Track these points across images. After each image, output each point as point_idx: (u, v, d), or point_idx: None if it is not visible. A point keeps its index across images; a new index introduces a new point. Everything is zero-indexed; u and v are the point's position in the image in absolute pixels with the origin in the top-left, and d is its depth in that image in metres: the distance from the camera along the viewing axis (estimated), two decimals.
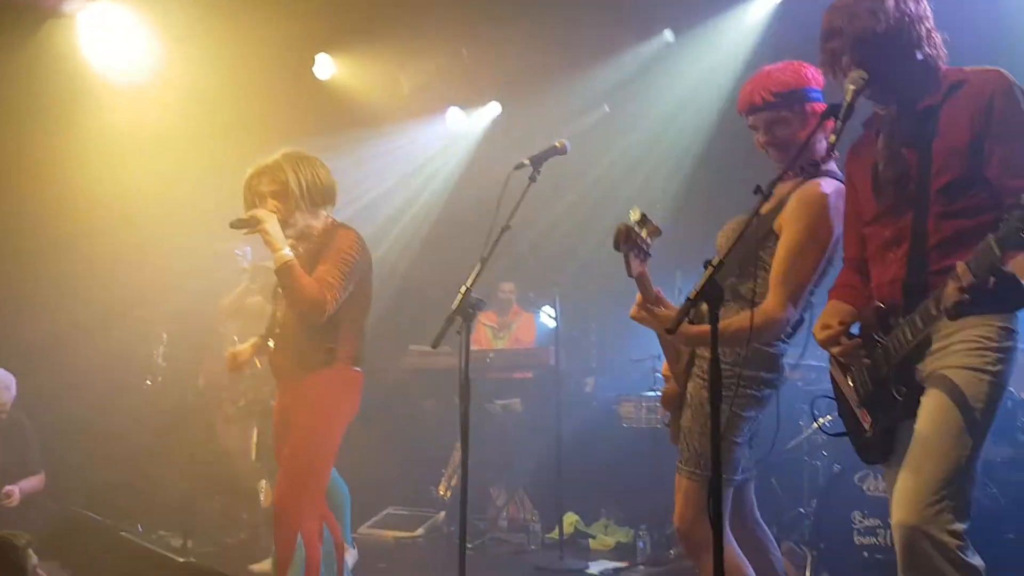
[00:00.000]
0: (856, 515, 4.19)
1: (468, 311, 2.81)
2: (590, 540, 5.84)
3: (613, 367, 6.65)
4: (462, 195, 7.34)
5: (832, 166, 2.70)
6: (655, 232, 2.53)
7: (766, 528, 2.95)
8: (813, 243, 2.59)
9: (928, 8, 2.29)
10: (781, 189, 2.67)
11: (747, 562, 2.72)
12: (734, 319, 2.59)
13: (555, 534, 5.57)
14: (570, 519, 5.88)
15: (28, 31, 5.62)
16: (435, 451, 6.54)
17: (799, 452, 4.90)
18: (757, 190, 2.09)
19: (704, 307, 1.95)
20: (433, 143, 7.56)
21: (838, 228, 2.59)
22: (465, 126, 7.64)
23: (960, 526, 2.08)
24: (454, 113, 7.58)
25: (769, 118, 2.66)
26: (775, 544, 2.93)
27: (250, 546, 5.31)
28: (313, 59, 6.96)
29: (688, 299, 1.89)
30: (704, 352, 2.68)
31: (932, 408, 2.16)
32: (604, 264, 6.92)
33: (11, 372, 5.42)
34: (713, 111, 6.30)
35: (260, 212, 3.27)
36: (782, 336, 2.69)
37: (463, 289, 2.87)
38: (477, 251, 2.99)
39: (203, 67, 6.05)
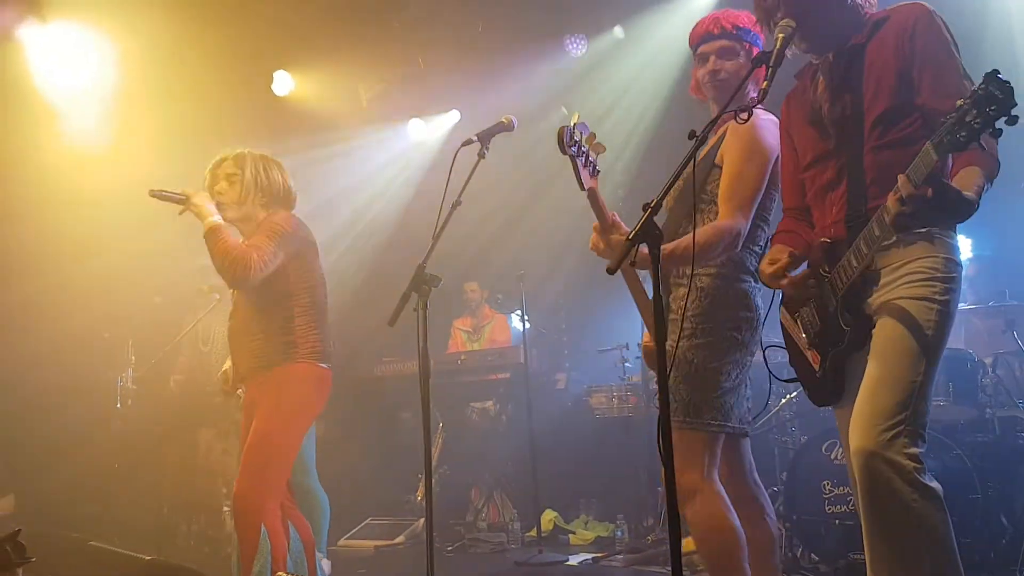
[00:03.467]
0: (826, 484, 4.22)
1: (423, 287, 2.81)
2: (570, 536, 5.83)
3: (584, 361, 6.66)
4: (423, 202, 7.33)
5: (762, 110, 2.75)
6: (598, 148, 2.53)
7: (764, 491, 2.88)
8: (752, 158, 2.66)
9: None
10: (718, 130, 2.77)
11: (735, 515, 2.64)
12: (697, 231, 2.53)
13: (535, 532, 5.56)
14: (549, 516, 5.87)
15: None
16: (413, 460, 6.51)
17: (768, 429, 4.94)
18: (692, 135, 2.13)
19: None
20: (392, 152, 7.56)
21: (773, 145, 2.67)
22: (425, 134, 7.65)
23: (916, 449, 2.09)
24: (415, 123, 7.62)
25: (723, 46, 2.77)
26: (771, 508, 2.88)
27: None
28: (271, 76, 6.98)
29: (627, 239, 1.89)
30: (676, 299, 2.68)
31: (884, 336, 2.19)
32: (569, 259, 7.00)
33: None
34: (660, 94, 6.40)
35: (189, 189, 3.38)
36: (737, 247, 2.65)
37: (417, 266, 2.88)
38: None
39: (159, 87, 6.04)
